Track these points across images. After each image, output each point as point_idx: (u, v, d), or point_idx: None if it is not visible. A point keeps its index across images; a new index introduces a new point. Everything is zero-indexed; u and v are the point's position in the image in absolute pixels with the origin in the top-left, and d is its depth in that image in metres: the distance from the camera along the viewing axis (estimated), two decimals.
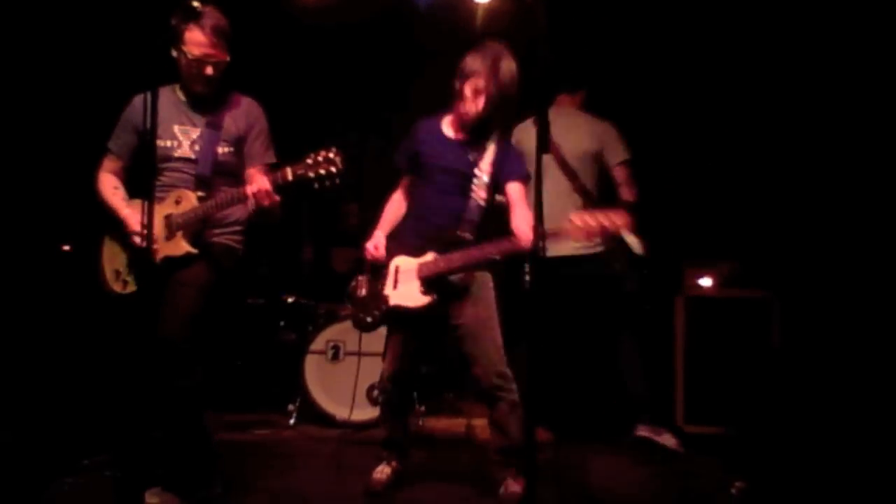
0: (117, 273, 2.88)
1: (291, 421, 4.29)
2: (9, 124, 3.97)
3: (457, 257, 2.88)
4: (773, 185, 4.43)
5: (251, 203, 2.74)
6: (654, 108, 4.55)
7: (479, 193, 2.96)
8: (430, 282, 2.92)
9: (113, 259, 2.90)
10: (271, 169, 2.83)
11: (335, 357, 4.37)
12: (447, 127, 3.09)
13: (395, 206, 3.21)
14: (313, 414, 4.30)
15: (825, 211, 4.18)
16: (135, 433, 2.43)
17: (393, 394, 3.13)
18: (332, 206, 5.47)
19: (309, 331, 4.45)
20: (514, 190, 2.97)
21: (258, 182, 2.66)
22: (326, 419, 4.27)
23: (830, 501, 3.15)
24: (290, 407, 4.34)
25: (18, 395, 3.53)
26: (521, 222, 2.85)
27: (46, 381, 3.71)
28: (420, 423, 4.27)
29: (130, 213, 2.81)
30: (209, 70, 2.75)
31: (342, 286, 5.03)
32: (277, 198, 2.68)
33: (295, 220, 5.06)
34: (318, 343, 4.38)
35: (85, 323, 3.77)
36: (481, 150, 3.00)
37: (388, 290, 3.01)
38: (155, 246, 2.67)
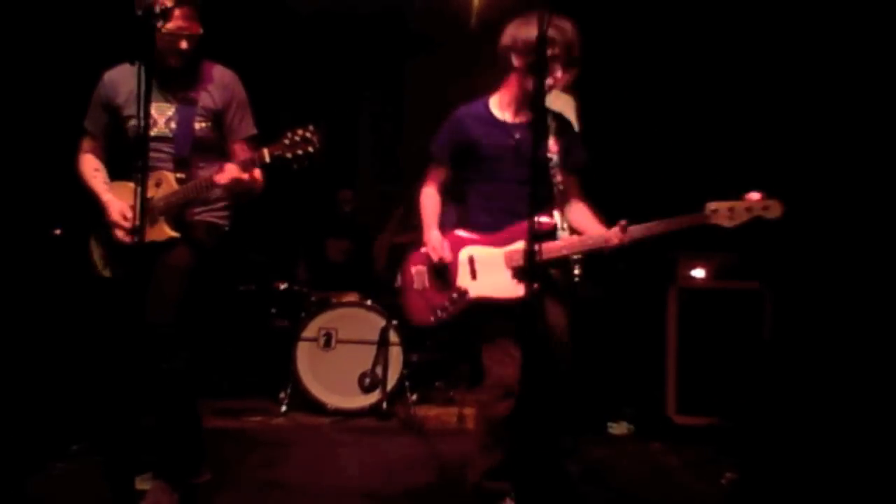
0: (105, 258, 2.85)
1: (283, 408, 4.29)
2: None
3: (556, 247, 2.63)
4: (767, 177, 4.42)
5: (220, 190, 2.70)
6: (649, 96, 4.53)
7: (557, 178, 2.71)
8: (523, 271, 2.57)
9: (101, 244, 2.87)
10: (251, 143, 2.79)
11: (327, 345, 4.36)
12: (498, 109, 2.79)
13: (434, 202, 2.91)
14: (305, 401, 4.30)
15: (817, 203, 4.18)
16: (123, 419, 2.42)
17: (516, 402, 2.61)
18: (327, 193, 5.46)
19: (301, 318, 4.44)
20: (575, 182, 2.76)
21: (229, 170, 2.61)
22: (318, 407, 4.27)
23: (821, 492, 3.17)
24: (282, 394, 4.34)
25: (7, 381, 3.51)
26: (593, 222, 2.70)
27: (36, 367, 3.69)
28: (411, 412, 4.27)
29: (111, 200, 2.77)
30: (183, 44, 2.68)
31: (335, 276, 5.07)
32: (247, 179, 2.64)
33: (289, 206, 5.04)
34: (311, 330, 4.37)
35: (74, 308, 3.75)
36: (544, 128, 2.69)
37: (463, 281, 2.73)
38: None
